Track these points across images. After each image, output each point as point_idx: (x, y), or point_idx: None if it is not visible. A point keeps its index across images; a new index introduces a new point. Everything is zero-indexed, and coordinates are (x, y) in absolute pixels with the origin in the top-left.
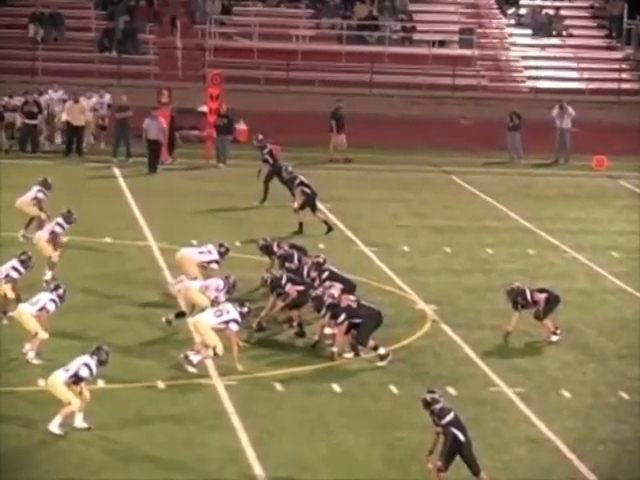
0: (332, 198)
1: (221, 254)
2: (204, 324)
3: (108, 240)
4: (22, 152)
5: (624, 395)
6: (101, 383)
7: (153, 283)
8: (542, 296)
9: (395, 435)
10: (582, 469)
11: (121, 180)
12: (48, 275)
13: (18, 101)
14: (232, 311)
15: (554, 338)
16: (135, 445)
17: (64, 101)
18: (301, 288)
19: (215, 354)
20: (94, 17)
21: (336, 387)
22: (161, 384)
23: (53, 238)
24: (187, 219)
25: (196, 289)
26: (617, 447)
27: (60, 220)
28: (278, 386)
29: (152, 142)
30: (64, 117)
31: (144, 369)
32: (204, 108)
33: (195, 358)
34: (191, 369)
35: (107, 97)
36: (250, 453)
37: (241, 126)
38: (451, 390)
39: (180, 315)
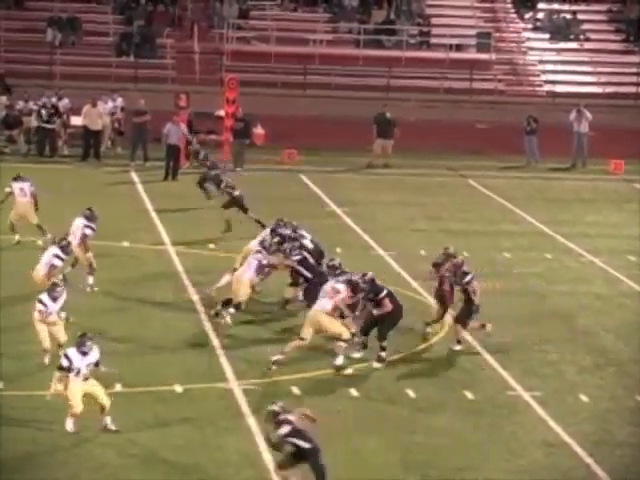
0: (348, 202)
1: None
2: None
3: (126, 244)
4: (40, 156)
5: None
6: (119, 387)
7: (170, 287)
8: None
9: (413, 439)
10: (599, 473)
11: (139, 184)
12: (90, 280)
13: (35, 105)
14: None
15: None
16: (152, 448)
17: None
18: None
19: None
20: (112, 21)
21: (353, 391)
22: (179, 388)
23: (84, 241)
24: (204, 222)
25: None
26: (634, 451)
27: (86, 222)
28: (295, 390)
29: (172, 147)
30: (80, 121)
31: (162, 373)
32: (221, 112)
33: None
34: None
35: (119, 101)
36: (267, 457)
37: (258, 130)
38: (468, 394)
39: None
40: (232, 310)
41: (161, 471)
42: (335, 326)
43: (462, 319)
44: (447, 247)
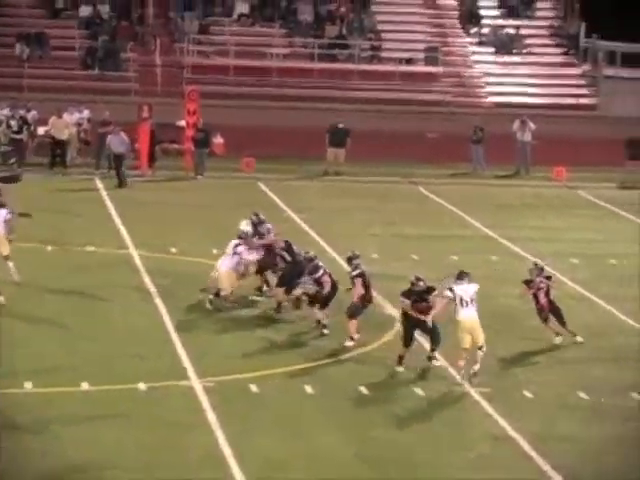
0: (304, 208)
1: None
2: None
3: (91, 248)
4: (4, 165)
5: (584, 396)
6: (85, 385)
7: (133, 288)
8: None
9: (367, 434)
10: (544, 467)
11: (103, 191)
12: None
13: (2, 116)
14: None
15: None
16: (117, 445)
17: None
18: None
19: None
20: (77, 37)
21: (309, 388)
22: (142, 386)
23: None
24: (166, 227)
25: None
26: (577, 445)
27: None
28: (254, 387)
29: (116, 156)
30: (43, 131)
31: (126, 371)
32: (182, 123)
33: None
34: None
35: (85, 112)
36: (227, 452)
37: (218, 140)
38: (419, 391)
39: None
40: (211, 296)
41: (126, 467)
42: None
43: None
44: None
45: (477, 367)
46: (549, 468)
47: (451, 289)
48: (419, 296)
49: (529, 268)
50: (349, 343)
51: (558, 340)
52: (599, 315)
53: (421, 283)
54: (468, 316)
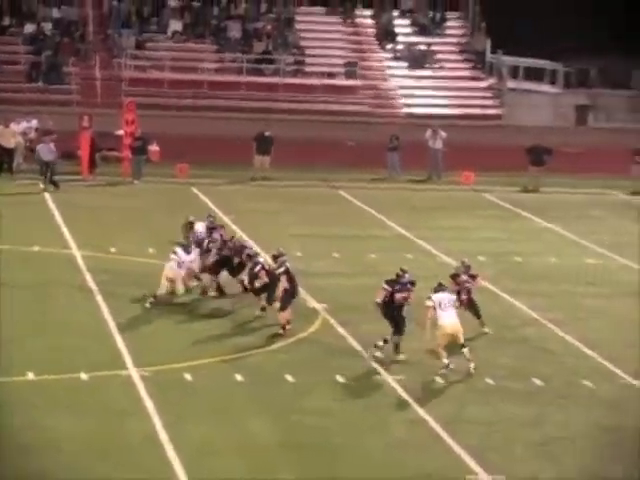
0: (234, 210)
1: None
2: None
3: (36, 248)
4: None
5: (490, 381)
6: (31, 375)
7: (77, 286)
8: None
9: (293, 419)
10: (454, 447)
11: (47, 195)
12: None
13: None
14: None
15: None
16: (61, 433)
17: None
18: None
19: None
20: (22, 52)
21: (239, 376)
22: (84, 375)
23: None
24: (106, 229)
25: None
26: (483, 427)
27: None
28: (188, 376)
29: (45, 163)
30: None
31: (69, 363)
32: (121, 132)
33: None
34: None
35: (34, 122)
36: (164, 437)
37: (154, 147)
38: (340, 379)
39: None
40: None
41: (69, 452)
42: None
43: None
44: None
45: (473, 365)
46: (459, 448)
47: (429, 297)
48: (402, 286)
49: (456, 265)
50: (281, 331)
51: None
52: (504, 308)
53: (407, 275)
54: (450, 321)
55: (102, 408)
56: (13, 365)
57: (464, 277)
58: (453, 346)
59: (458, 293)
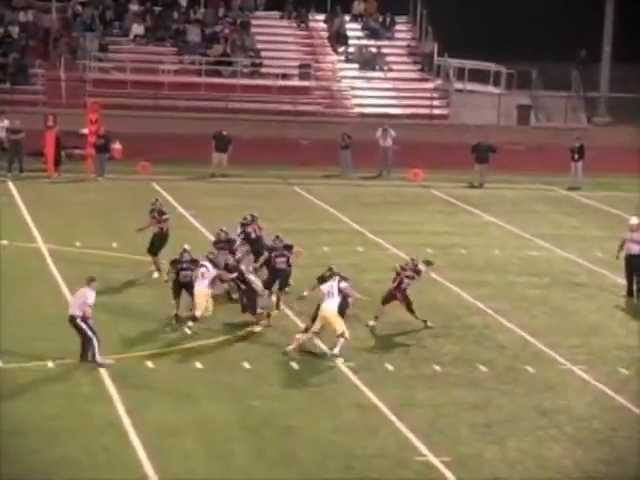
0: (193, 206)
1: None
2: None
3: (4, 242)
4: None
5: (437, 367)
6: (0, 363)
7: (43, 279)
8: None
9: (249, 404)
10: (403, 429)
11: (15, 191)
12: None
13: None
14: None
15: None
16: (27, 417)
17: None
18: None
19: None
20: None
21: (199, 364)
22: (50, 363)
23: None
24: (71, 223)
25: None
26: (431, 411)
27: None
28: (149, 364)
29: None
30: None
31: (37, 352)
32: (85, 131)
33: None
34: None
35: (6, 122)
36: (126, 421)
37: (116, 146)
38: (294, 365)
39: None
40: (190, 323)
41: (37, 436)
42: None
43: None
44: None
45: (336, 350)
46: (407, 431)
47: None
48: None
49: (406, 261)
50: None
51: (372, 323)
52: (451, 298)
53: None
54: (327, 307)
55: (67, 394)
56: None
57: (408, 272)
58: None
59: (398, 284)
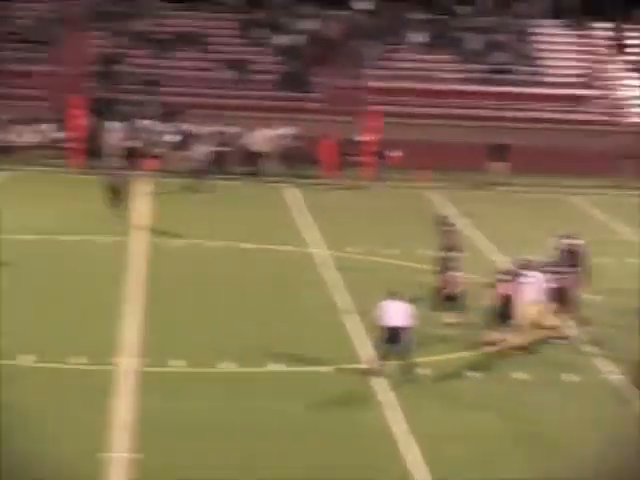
0: (465, 213)
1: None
2: None
3: (290, 248)
4: None
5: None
6: (284, 366)
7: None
8: None
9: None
10: None
11: (295, 197)
12: None
13: None
14: None
15: None
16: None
17: None
18: None
19: None
20: (273, 62)
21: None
22: (326, 368)
23: None
24: (351, 229)
25: None
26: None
27: None
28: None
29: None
30: None
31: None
32: (361, 138)
33: None
34: None
35: (281, 130)
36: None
37: (396, 153)
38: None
39: None
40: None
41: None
42: None
43: None
44: None
45: None
46: None
47: None
48: None
49: None
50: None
51: None
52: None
53: None
54: None
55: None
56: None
57: None
58: None
59: None
